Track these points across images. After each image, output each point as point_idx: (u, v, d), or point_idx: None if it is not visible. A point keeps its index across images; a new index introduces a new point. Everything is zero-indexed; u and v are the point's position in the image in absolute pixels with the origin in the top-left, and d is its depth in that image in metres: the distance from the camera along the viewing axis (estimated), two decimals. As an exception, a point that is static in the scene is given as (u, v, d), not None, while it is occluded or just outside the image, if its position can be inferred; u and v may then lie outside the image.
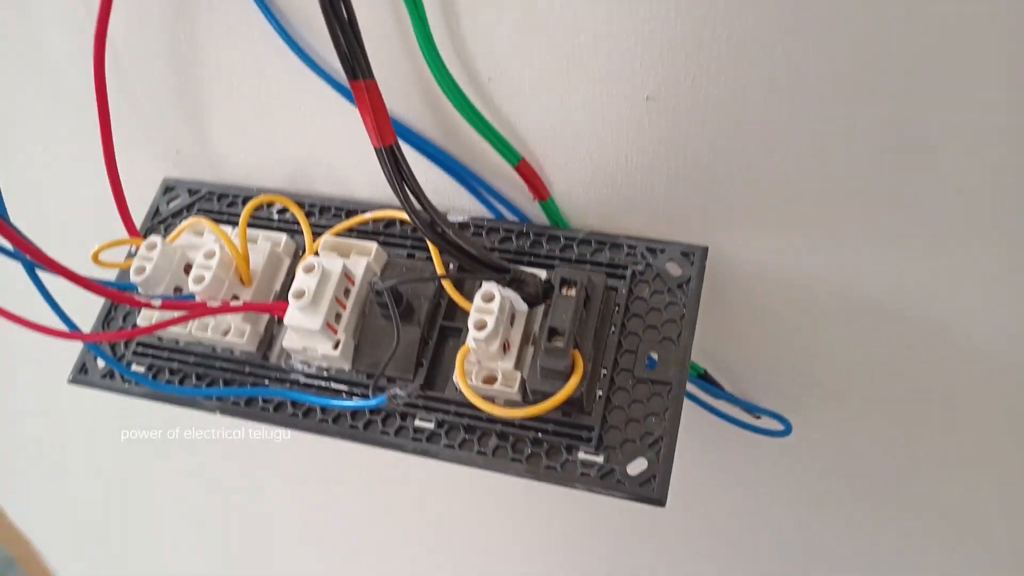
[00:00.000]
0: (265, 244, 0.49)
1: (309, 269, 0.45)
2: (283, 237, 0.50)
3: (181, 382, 0.50)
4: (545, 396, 0.43)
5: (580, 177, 0.49)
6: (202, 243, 0.50)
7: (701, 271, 0.47)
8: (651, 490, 0.43)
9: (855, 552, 0.73)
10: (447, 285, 0.46)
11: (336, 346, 0.46)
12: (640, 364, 0.46)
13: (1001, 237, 0.44)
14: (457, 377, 0.43)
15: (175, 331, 0.49)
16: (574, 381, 0.42)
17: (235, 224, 0.50)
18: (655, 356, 0.46)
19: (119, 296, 0.43)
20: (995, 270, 0.46)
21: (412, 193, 0.39)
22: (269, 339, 0.49)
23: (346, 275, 0.46)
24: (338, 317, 0.46)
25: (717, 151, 0.44)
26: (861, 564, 0.74)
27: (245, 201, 0.54)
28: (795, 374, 0.58)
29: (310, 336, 0.45)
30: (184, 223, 0.50)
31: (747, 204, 0.47)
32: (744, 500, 0.71)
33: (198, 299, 0.46)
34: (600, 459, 0.44)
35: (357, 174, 0.54)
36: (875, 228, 0.45)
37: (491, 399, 0.45)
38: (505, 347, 0.44)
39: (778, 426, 0.58)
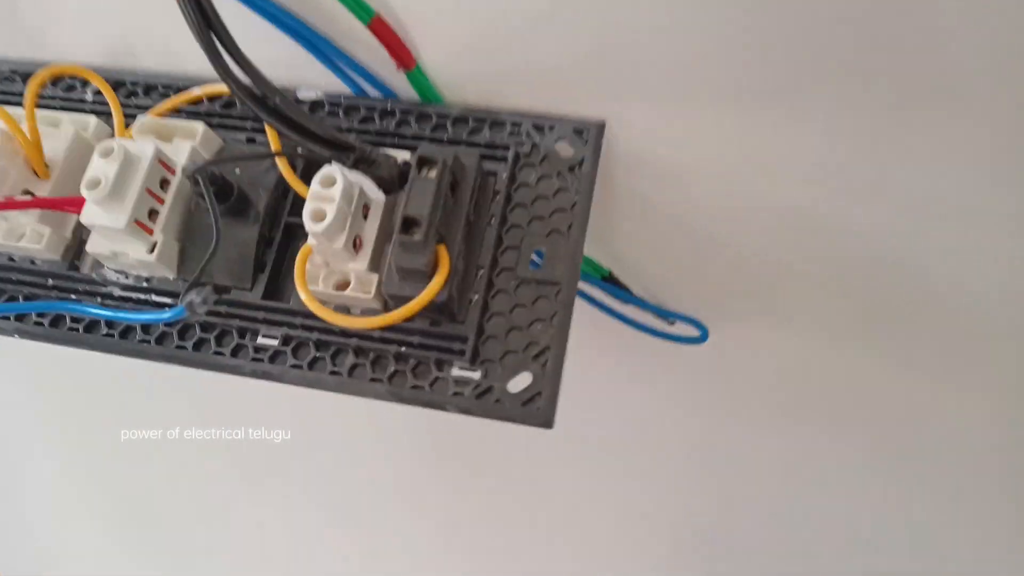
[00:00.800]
0: (69, 129, 0.40)
1: (107, 153, 0.36)
2: (91, 120, 0.41)
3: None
4: (405, 301, 0.35)
5: (454, 39, 0.41)
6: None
7: (596, 151, 0.40)
8: (535, 410, 0.36)
9: (772, 462, 0.68)
10: (283, 167, 0.37)
11: (152, 249, 0.37)
12: (523, 262, 0.38)
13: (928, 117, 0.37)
14: (297, 282, 0.35)
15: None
16: (438, 281, 0.34)
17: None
18: (542, 252, 0.38)
19: None
20: (920, 160, 0.39)
21: (227, 50, 0.31)
22: (78, 246, 0.40)
23: (161, 161, 0.38)
24: (153, 214, 0.37)
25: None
26: (777, 474, 0.70)
27: (56, 82, 0.45)
28: (712, 275, 0.52)
29: (117, 237, 0.37)
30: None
31: (653, 66, 0.39)
32: (654, 412, 0.66)
33: (-20, 195, 0.37)
34: (476, 375, 0.37)
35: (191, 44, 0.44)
36: (792, 97, 0.38)
37: (345, 309, 0.37)
38: (356, 244, 0.36)
39: (693, 332, 0.52)
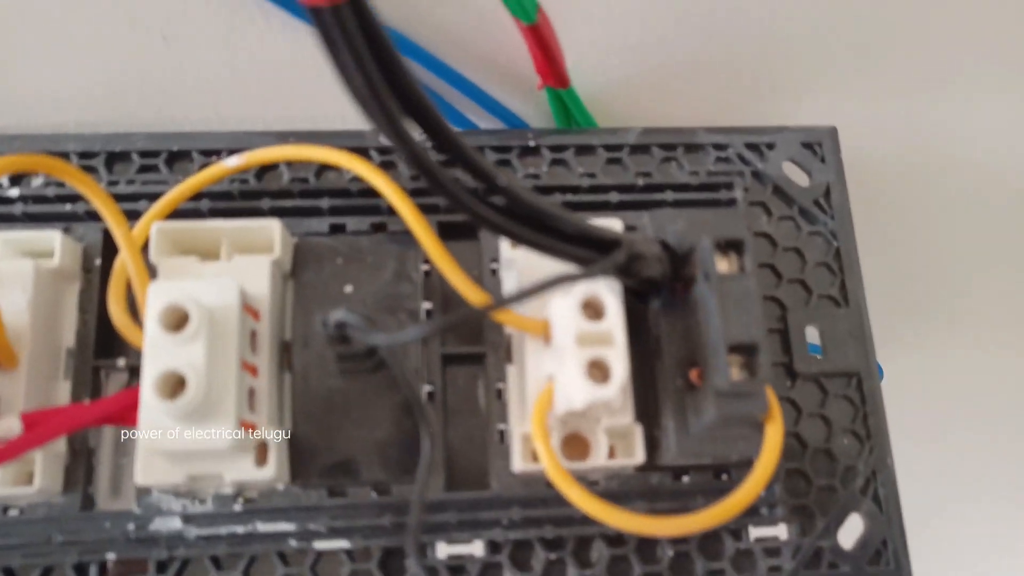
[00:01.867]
0: (21, 266, 0.23)
1: (177, 320, 0.20)
2: (55, 239, 0.24)
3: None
4: (723, 466, 0.23)
5: (613, 39, 0.27)
6: None
7: (840, 169, 0.29)
8: (887, 567, 0.25)
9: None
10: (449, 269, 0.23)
11: (264, 459, 0.22)
12: (798, 351, 0.27)
13: None
14: (543, 456, 0.22)
15: None
16: (775, 434, 0.22)
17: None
18: (816, 332, 0.27)
19: None
20: None
21: (413, 110, 0.16)
22: (86, 464, 0.23)
23: (247, 306, 0.22)
24: (252, 396, 0.22)
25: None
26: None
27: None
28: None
29: (207, 458, 0.21)
30: None
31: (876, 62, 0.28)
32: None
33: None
34: (783, 533, 0.25)
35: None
36: None
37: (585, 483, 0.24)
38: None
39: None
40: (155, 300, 0.20)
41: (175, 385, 0.19)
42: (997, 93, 0.31)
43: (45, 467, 0.22)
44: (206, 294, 0.20)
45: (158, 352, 0.19)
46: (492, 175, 0.18)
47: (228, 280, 0.21)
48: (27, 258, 0.23)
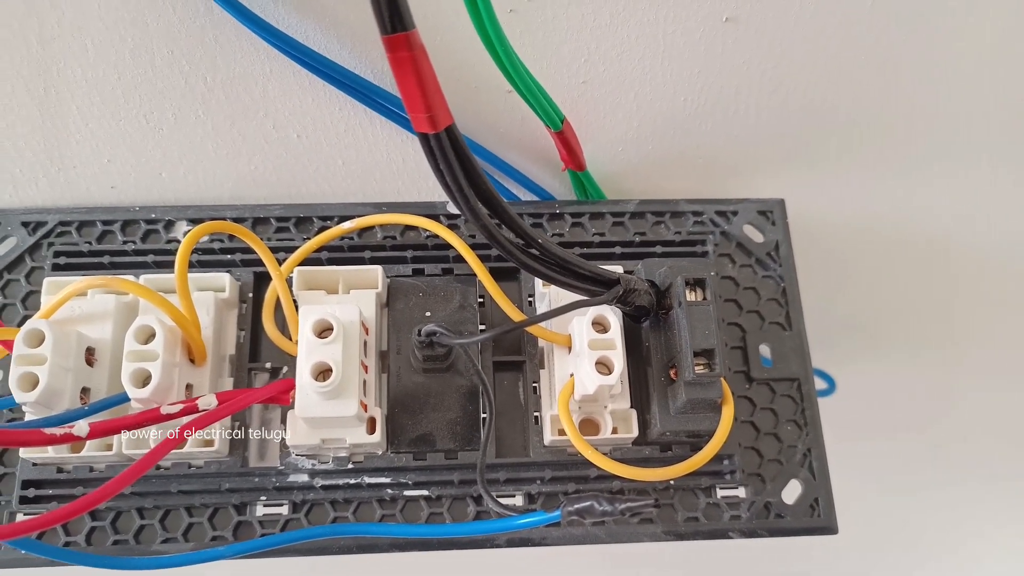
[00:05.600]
0: (204, 297, 0.33)
1: (324, 330, 0.30)
2: (226, 279, 0.34)
3: (137, 537, 0.32)
4: (695, 436, 0.32)
5: (619, 134, 0.38)
6: (92, 310, 0.32)
7: (786, 231, 0.38)
8: (818, 517, 0.34)
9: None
10: (508, 309, 0.33)
11: (372, 428, 0.32)
12: (754, 363, 0.36)
13: None
14: (567, 429, 0.31)
15: (91, 454, 0.31)
16: (728, 413, 0.32)
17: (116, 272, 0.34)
18: (768, 349, 0.37)
19: (20, 437, 0.25)
20: None
21: (483, 198, 0.26)
22: (243, 432, 0.33)
23: (363, 325, 0.32)
24: (364, 387, 0.31)
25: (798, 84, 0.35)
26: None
27: (125, 228, 0.36)
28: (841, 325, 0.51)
29: (337, 424, 0.31)
30: (68, 288, 0.31)
31: (820, 146, 0.39)
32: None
33: (140, 405, 0.29)
34: (743, 493, 0.35)
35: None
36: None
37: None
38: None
39: (822, 384, 0.52)
40: (309, 316, 0.30)
41: (323, 373, 0.29)
42: (905, 169, 0.41)
43: (220, 435, 0.32)
44: (340, 313, 0.30)
45: (312, 351, 0.29)
46: (530, 235, 0.28)
47: (352, 306, 0.31)
48: (208, 292, 0.33)
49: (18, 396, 0.28)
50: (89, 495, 0.25)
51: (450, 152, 0.24)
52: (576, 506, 0.27)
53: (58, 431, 0.26)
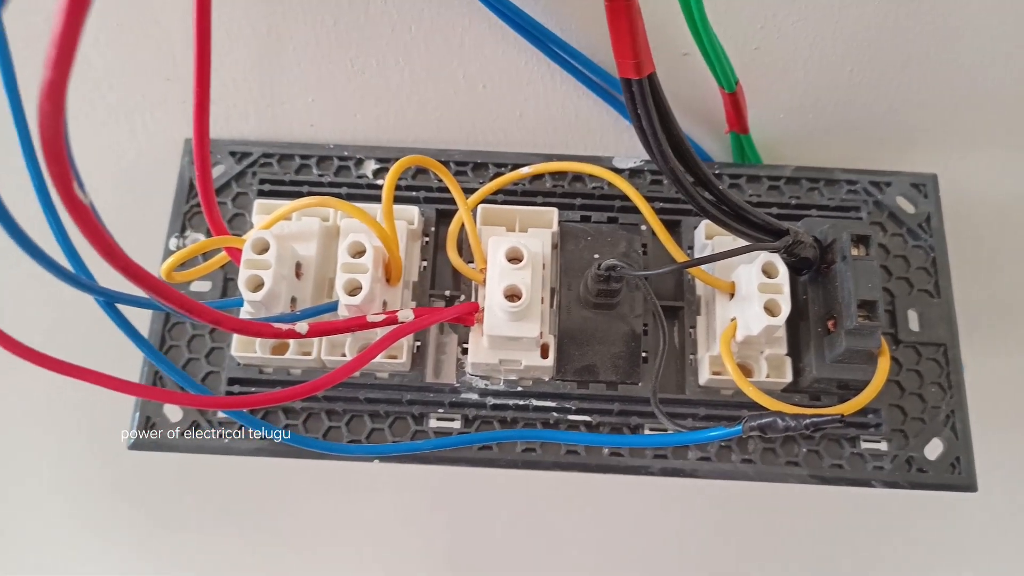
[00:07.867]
0: (397, 225, 0.36)
1: (516, 258, 0.33)
2: (415, 211, 0.37)
3: (325, 436, 0.36)
4: (844, 388, 0.34)
5: (783, 101, 0.40)
6: (300, 230, 0.36)
7: (938, 204, 0.40)
8: (959, 475, 0.36)
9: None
10: (675, 251, 0.35)
11: (545, 353, 0.34)
12: (903, 326, 0.38)
13: None
14: (729, 368, 0.33)
15: (293, 357, 0.35)
16: (884, 363, 0.33)
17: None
18: (915, 314, 0.38)
19: (256, 328, 0.29)
20: None
21: (672, 144, 0.28)
22: (423, 352, 0.37)
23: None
24: (542, 315, 0.34)
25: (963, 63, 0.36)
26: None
27: (320, 163, 0.40)
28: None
29: (516, 346, 0.34)
30: (285, 206, 0.35)
31: (980, 124, 0.40)
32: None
33: (349, 313, 0.33)
34: (885, 446, 0.36)
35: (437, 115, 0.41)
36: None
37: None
38: (772, 329, 0.34)
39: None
40: (503, 244, 0.33)
41: (512, 296, 0.32)
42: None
43: (407, 348, 0.35)
44: (530, 244, 0.33)
45: (504, 275, 0.32)
46: (713, 182, 0.31)
47: (538, 240, 0.34)
48: (401, 221, 0.36)
49: (246, 295, 0.32)
50: (317, 379, 0.28)
51: (649, 98, 0.27)
52: (758, 421, 0.29)
53: (283, 327, 0.29)
